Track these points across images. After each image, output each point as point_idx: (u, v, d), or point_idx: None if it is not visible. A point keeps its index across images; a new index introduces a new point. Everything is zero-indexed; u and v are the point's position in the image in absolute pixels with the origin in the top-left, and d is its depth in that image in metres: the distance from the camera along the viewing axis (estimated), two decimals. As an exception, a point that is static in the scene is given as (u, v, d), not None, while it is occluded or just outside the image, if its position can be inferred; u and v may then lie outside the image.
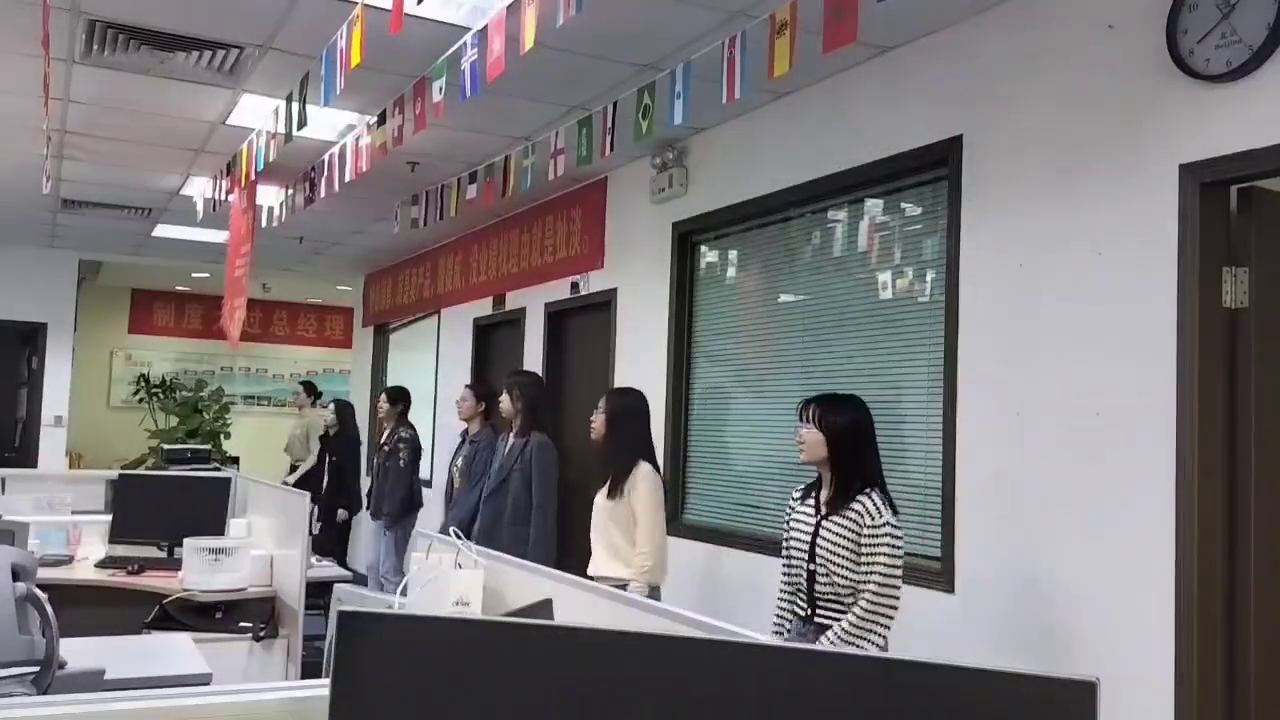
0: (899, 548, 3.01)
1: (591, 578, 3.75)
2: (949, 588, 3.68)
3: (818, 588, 3.08)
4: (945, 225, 3.86)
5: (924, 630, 3.73)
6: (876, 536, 2.99)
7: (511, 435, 5.28)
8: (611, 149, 3.98)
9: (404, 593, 2.57)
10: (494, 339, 8.00)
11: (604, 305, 6.23)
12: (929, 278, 4.00)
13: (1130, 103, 3.20)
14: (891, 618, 2.99)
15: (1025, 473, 3.44)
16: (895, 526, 3.02)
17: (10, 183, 7.16)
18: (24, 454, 9.78)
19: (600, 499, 4.12)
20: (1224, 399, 2.96)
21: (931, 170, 3.98)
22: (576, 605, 2.16)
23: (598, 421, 4.18)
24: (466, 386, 6.38)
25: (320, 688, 1.31)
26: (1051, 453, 3.36)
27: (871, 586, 2.97)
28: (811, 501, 3.18)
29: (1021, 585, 3.42)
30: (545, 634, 1.10)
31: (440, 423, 8.59)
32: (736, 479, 5.02)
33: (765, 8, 3.25)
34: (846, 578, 3.02)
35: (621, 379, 5.89)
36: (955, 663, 0.95)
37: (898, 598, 3.00)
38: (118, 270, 11.76)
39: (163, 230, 8.77)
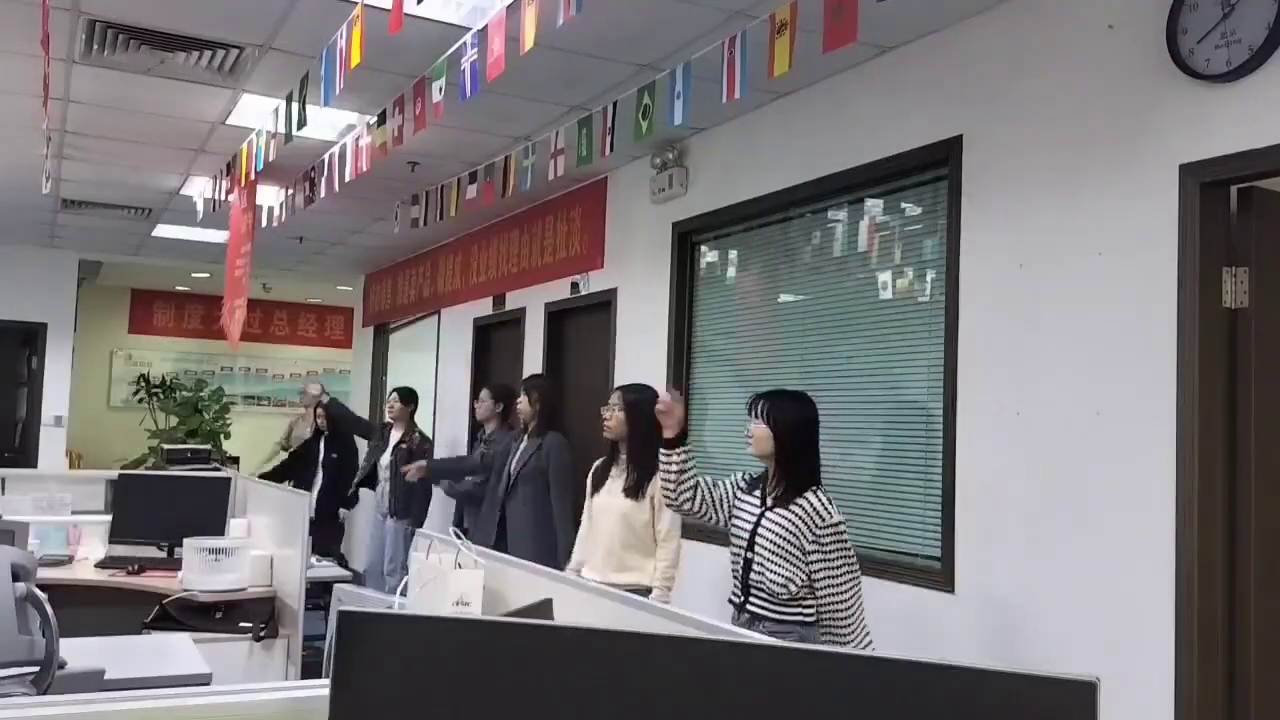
0: (850, 548, 3.14)
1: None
2: (949, 588, 3.68)
3: (752, 576, 3.14)
4: (945, 225, 3.86)
5: (924, 630, 3.73)
6: (833, 537, 3.08)
7: (526, 436, 5.40)
8: (611, 149, 3.98)
9: (404, 593, 2.57)
10: (494, 339, 8.00)
11: (604, 305, 6.23)
12: (929, 278, 3.99)
13: (1130, 103, 3.20)
14: (862, 609, 3.12)
15: (1025, 473, 3.44)
16: (844, 526, 3.13)
17: (10, 183, 7.15)
18: (24, 454, 9.77)
19: (611, 499, 3.93)
20: (1224, 399, 2.96)
21: (931, 170, 3.98)
22: (576, 605, 2.16)
23: (614, 419, 4.00)
24: (485, 389, 6.48)
25: (320, 688, 1.31)
26: (1051, 452, 3.36)
27: (844, 587, 3.07)
28: (758, 494, 3.25)
29: (1022, 585, 3.42)
30: (545, 634, 1.10)
31: (440, 423, 8.60)
32: (736, 479, 5.01)
33: (765, 8, 3.25)
34: (779, 571, 3.07)
35: (621, 379, 5.89)
36: (955, 663, 0.95)
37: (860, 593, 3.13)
38: (118, 270, 11.76)
39: (163, 230, 8.77)
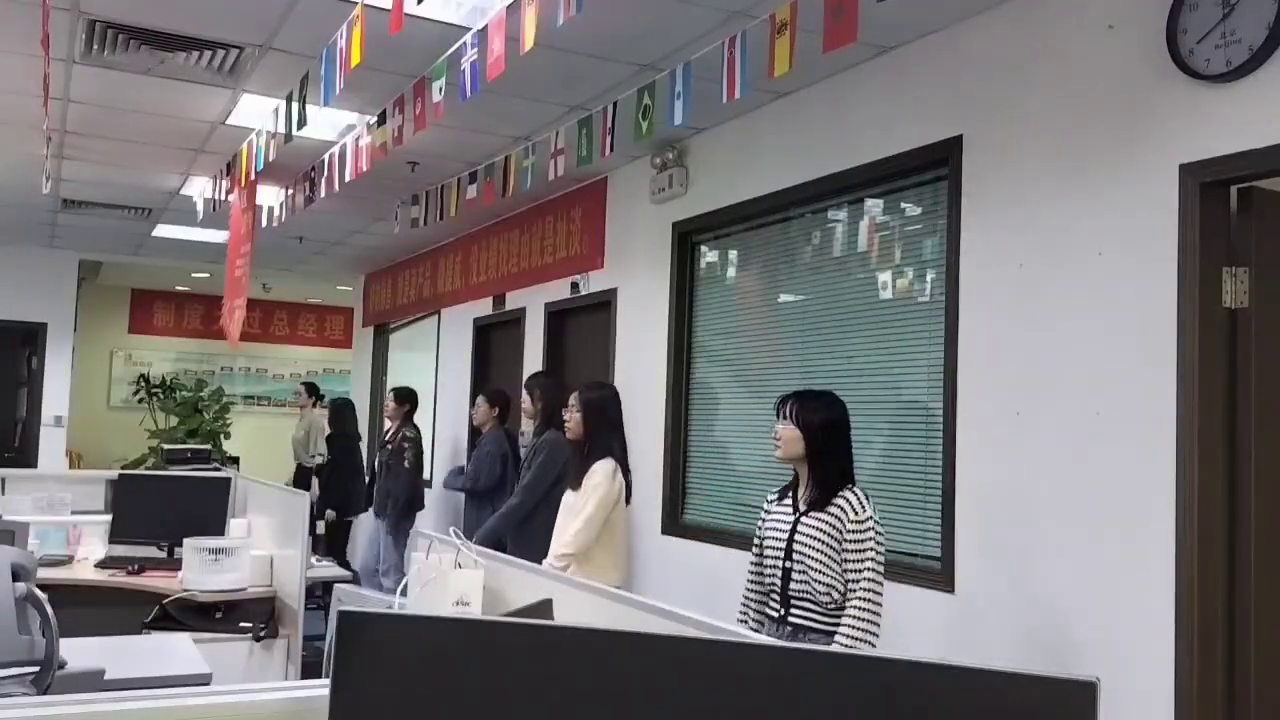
0: (883, 546, 3.02)
1: None
2: (949, 588, 3.68)
3: (792, 586, 3.04)
4: (945, 225, 3.86)
5: (924, 630, 3.73)
6: (862, 534, 2.97)
7: (532, 436, 5.41)
8: (611, 149, 3.98)
9: (404, 593, 2.57)
10: (494, 339, 8.00)
11: (604, 305, 6.23)
12: (929, 278, 3.99)
13: (1130, 103, 3.20)
14: (880, 616, 2.97)
15: (1025, 473, 3.44)
16: (880, 525, 3.03)
17: (10, 183, 7.15)
18: (24, 454, 9.78)
19: (567, 495, 4.06)
20: (1224, 399, 2.96)
21: (931, 170, 3.98)
22: (576, 605, 2.16)
23: (572, 420, 4.08)
24: (480, 395, 6.52)
25: (320, 688, 1.31)
26: (1051, 453, 3.36)
27: (864, 585, 2.94)
28: (789, 501, 3.15)
29: (1022, 585, 3.42)
30: (545, 634, 1.10)
31: (440, 423, 8.60)
32: (736, 478, 5.02)
33: (765, 8, 3.25)
34: (822, 577, 2.98)
35: (621, 379, 5.89)
36: (955, 663, 0.95)
37: (882, 595, 2.98)
38: (118, 270, 11.76)
39: (163, 230, 8.77)
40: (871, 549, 2.97)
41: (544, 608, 2.19)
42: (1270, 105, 2.82)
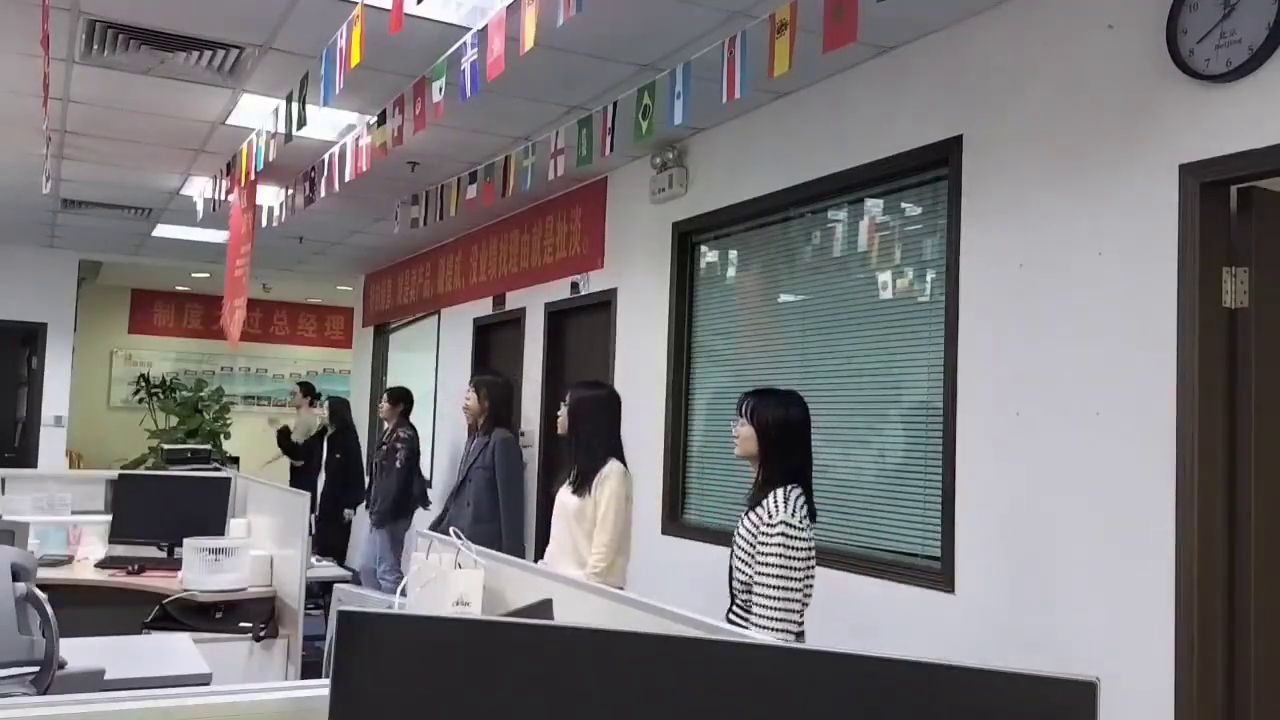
0: (796, 550, 2.84)
1: None
2: (949, 588, 3.68)
3: (732, 582, 3.03)
4: (945, 225, 3.86)
5: (924, 630, 3.73)
6: (770, 536, 2.84)
7: (475, 435, 5.40)
8: (611, 149, 3.98)
9: (404, 593, 2.57)
10: (494, 339, 8.00)
11: (604, 305, 6.23)
12: (929, 278, 4.00)
13: (1130, 103, 3.20)
14: (796, 623, 2.85)
15: (1025, 473, 3.44)
16: (794, 527, 2.84)
17: (10, 183, 7.16)
18: (24, 454, 9.78)
19: (565, 495, 3.93)
20: (1224, 399, 2.96)
21: (931, 170, 3.98)
22: (576, 605, 2.16)
23: (562, 415, 4.00)
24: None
25: (320, 688, 1.31)
26: (1051, 453, 3.36)
27: (764, 591, 2.82)
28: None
29: (1021, 585, 3.42)
30: (545, 634, 1.10)
31: (441, 423, 8.60)
32: (736, 479, 5.01)
33: (765, 8, 3.26)
34: (741, 575, 2.95)
35: (621, 379, 5.90)
36: (955, 663, 0.95)
37: (797, 604, 2.84)
38: (118, 270, 11.76)
39: (163, 230, 8.78)
40: (776, 554, 2.82)
41: (544, 608, 2.19)
42: (1270, 105, 2.82)
